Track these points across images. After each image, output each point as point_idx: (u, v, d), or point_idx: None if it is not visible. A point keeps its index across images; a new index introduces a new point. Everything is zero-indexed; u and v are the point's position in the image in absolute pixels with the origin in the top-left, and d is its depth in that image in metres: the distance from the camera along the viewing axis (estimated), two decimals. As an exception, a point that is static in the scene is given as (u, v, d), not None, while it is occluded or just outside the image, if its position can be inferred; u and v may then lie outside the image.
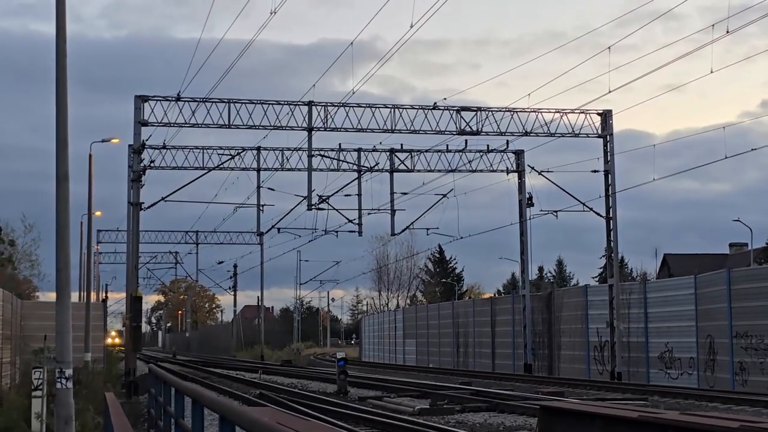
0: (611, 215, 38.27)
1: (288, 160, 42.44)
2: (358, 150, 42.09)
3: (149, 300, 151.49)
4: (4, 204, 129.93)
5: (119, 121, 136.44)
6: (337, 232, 45.23)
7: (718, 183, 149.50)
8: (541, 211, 41.48)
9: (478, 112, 38.34)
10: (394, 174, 42.94)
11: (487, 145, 41.44)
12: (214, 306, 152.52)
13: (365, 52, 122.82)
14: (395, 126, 37.53)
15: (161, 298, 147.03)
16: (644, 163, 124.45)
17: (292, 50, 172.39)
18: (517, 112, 38.49)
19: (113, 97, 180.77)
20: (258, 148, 42.20)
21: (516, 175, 43.00)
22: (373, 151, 41.99)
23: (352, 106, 37.25)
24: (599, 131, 38.97)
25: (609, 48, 34.17)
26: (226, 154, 41.61)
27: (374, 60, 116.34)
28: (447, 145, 41.14)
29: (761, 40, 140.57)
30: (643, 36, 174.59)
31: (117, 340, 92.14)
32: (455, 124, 38.09)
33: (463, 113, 38.18)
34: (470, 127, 38.20)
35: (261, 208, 43.75)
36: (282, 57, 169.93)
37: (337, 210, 42.92)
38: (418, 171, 42.59)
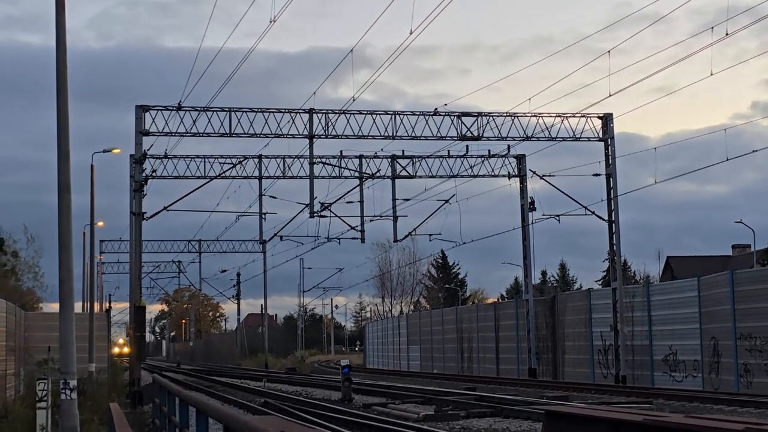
0: (613, 218, 38.23)
1: (289, 167, 42.44)
2: (360, 157, 42.11)
3: (153, 309, 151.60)
4: (1, 216, 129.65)
5: (113, 130, 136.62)
6: (339, 239, 45.23)
7: (716, 185, 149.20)
8: (543, 215, 41.53)
9: (479, 118, 38.34)
10: (396, 180, 42.89)
11: (489, 150, 41.51)
12: (217, 315, 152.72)
13: (355, 59, 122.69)
14: (396, 132, 37.58)
15: (165, 307, 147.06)
16: (640, 166, 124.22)
17: (282, 58, 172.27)
18: (517, 116, 38.47)
19: (106, 107, 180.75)
20: (259, 157, 42.19)
21: (518, 179, 43.01)
22: (375, 157, 41.99)
23: (353, 113, 37.28)
24: (600, 135, 38.97)
25: (609, 52, 34.20)
26: (228, 163, 41.61)
27: (364, 67, 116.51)
28: (448, 151, 41.15)
29: (750, 41, 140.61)
30: (633, 39, 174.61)
31: (126, 350, 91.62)
32: (456, 129, 38.10)
33: (463, 119, 38.19)
34: (471, 132, 38.21)
35: (263, 216, 43.82)
36: (272, 65, 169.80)
37: (339, 217, 42.92)
38: (420, 177, 42.55)
